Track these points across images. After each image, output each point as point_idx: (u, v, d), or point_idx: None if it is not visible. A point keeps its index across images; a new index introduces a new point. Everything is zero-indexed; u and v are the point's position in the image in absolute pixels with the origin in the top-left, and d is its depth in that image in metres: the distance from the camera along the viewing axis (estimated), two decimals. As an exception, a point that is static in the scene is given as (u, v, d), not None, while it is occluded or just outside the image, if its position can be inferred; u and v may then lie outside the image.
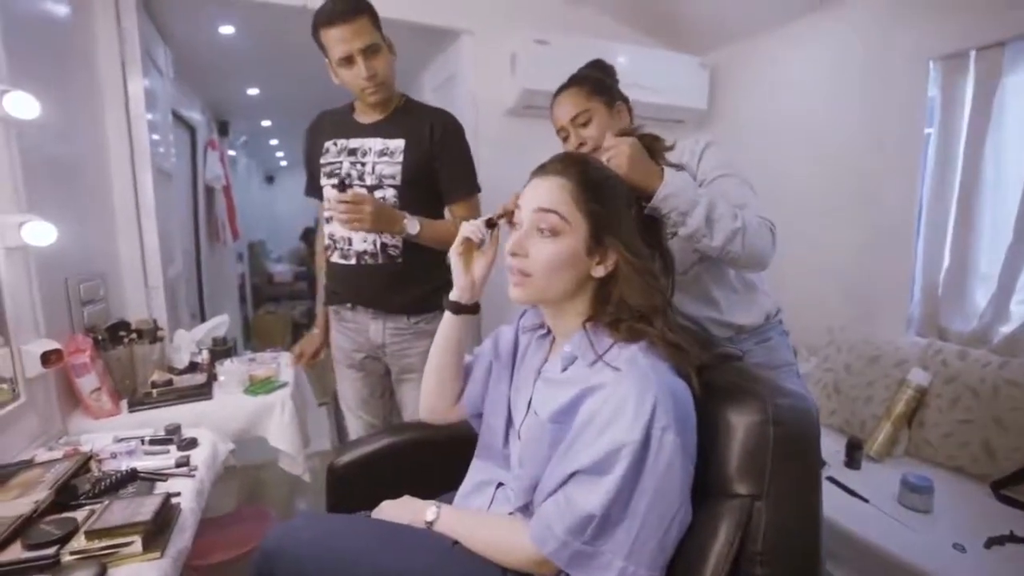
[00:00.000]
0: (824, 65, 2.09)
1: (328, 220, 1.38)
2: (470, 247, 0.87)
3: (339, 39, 1.20)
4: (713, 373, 0.79)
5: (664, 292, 0.75)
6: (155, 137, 1.95)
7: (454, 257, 0.87)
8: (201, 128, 3.32)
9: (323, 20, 1.22)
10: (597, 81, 1.15)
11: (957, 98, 1.69)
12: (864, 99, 1.96)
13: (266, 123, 4.67)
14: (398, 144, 1.31)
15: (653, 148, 0.90)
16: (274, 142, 5.78)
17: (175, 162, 2.46)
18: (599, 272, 0.75)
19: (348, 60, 1.23)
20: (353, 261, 1.34)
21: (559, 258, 0.74)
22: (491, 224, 0.85)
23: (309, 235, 5.91)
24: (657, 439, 0.65)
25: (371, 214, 1.19)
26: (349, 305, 1.40)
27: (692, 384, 0.73)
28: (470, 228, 0.85)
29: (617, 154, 0.85)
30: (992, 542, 1.20)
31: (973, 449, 1.50)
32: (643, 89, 2.24)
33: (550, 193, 0.75)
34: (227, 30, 2.40)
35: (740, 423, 0.74)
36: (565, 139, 1.16)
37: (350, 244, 1.34)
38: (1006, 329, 1.62)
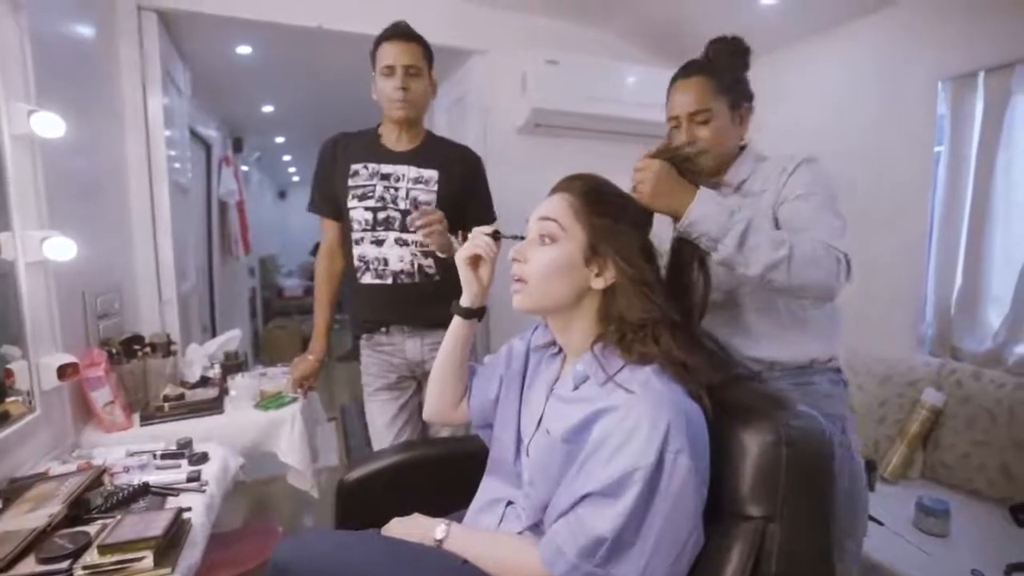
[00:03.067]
0: (833, 84, 2.11)
1: (358, 242, 1.39)
2: (478, 258, 0.91)
3: (391, 51, 1.34)
4: (727, 393, 0.79)
5: (663, 306, 0.74)
6: (172, 153, 2.00)
7: (463, 266, 0.92)
8: (216, 144, 3.39)
9: (385, 35, 1.37)
10: (730, 76, 1.03)
11: (966, 117, 1.70)
12: (874, 117, 1.96)
13: (280, 139, 4.75)
14: (432, 174, 1.39)
15: (683, 169, 0.85)
16: (287, 158, 5.87)
17: (191, 178, 2.51)
18: (598, 284, 0.76)
19: (390, 70, 1.34)
20: (389, 280, 1.38)
21: (554, 263, 0.76)
22: (496, 237, 0.90)
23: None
24: (671, 462, 0.64)
25: (443, 228, 1.28)
26: (384, 329, 1.42)
27: (704, 405, 0.72)
28: (482, 247, 0.89)
29: (642, 180, 0.83)
30: (1012, 569, 1.17)
31: (990, 472, 1.47)
32: (652, 108, 2.25)
33: (552, 204, 0.79)
34: (244, 50, 2.46)
35: (753, 444, 0.74)
36: (674, 128, 1.05)
37: (386, 264, 1.38)
38: (1021, 349, 1.60)
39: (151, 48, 1.83)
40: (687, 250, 0.84)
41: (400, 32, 1.35)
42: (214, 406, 1.46)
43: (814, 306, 1.01)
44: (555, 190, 0.81)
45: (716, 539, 0.71)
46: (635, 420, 0.66)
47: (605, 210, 0.77)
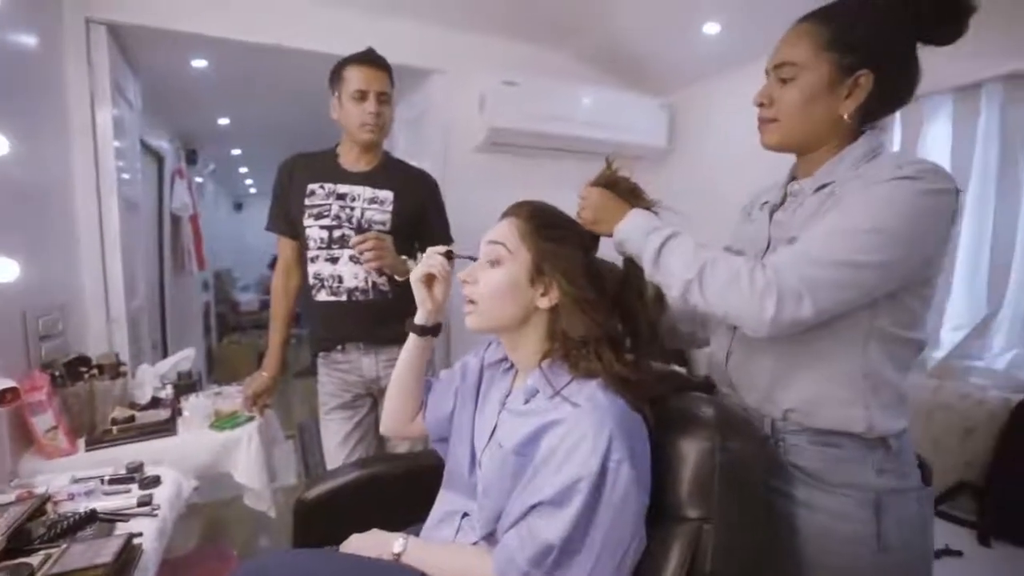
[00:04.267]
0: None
1: (313, 260, 1.40)
2: (432, 277, 0.94)
3: (364, 76, 1.36)
4: (668, 404, 0.85)
5: (604, 324, 0.79)
6: (121, 164, 1.95)
7: (418, 285, 0.94)
8: (169, 157, 3.30)
9: (356, 59, 1.39)
10: (849, 28, 0.75)
11: (886, 143, 1.86)
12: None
13: (236, 152, 4.65)
14: (387, 195, 1.42)
15: (619, 191, 0.87)
16: (244, 170, 5.74)
17: (141, 191, 2.44)
18: (544, 303, 0.81)
19: (363, 95, 1.36)
20: (344, 298, 1.39)
21: (500, 284, 0.81)
22: (449, 256, 0.94)
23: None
24: (613, 471, 0.69)
25: (391, 250, 1.31)
26: (339, 347, 1.43)
27: (647, 416, 0.78)
28: (436, 266, 0.92)
29: (584, 207, 0.87)
30: (930, 556, 1.28)
31: (914, 468, 1.60)
32: (606, 128, 2.38)
33: (500, 229, 0.84)
34: (200, 63, 2.43)
35: (691, 451, 0.79)
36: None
37: (340, 281, 1.39)
38: (939, 355, 1.75)
39: (100, 60, 1.80)
40: (633, 270, 0.88)
41: (372, 59, 1.39)
42: (166, 428, 1.42)
43: (892, 365, 0.77)
44: (504, 215, 0.86)
45: (657, 540, 0.76)
46: (580, 432, 0.71)
47: (550, 234, 0.82)
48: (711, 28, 2.12)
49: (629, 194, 0.88)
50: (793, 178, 0.89)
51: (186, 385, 1.68)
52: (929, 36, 0.76)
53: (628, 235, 0.82)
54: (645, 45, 2.37)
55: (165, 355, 2.59)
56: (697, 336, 1.05)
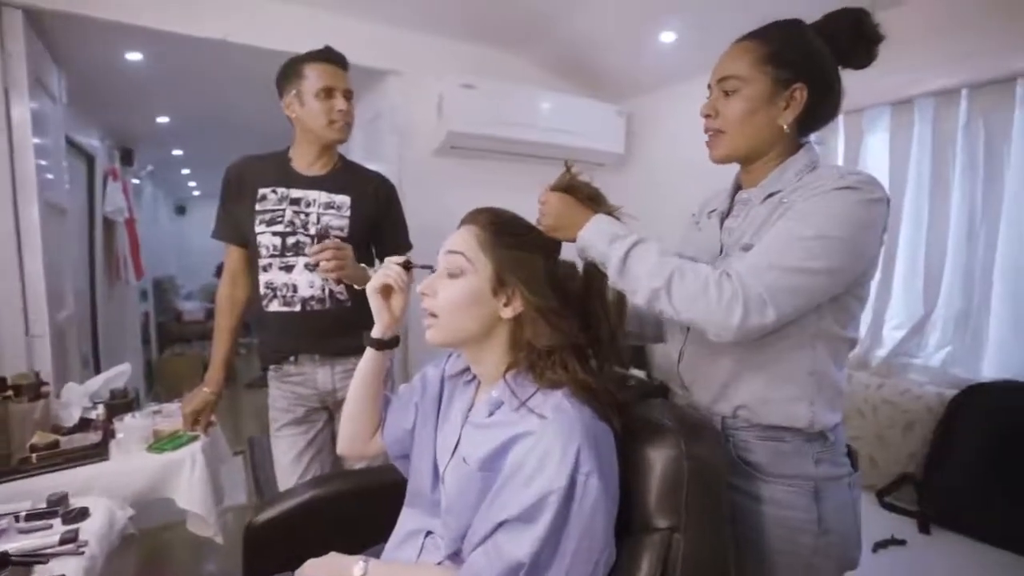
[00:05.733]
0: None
1: (265, 268, 1.32)
2: (389, 288, 0.90)
3: (329, 73, 1.31)
4: (634, 411, 0.84)
5: (569, 332, 0.77)
6: (43, 163, 1.79)
7: (374, 297, 0.90)
8: (100, 157, 3.07)
9: (318, 56, 1.31)
10: (784, 46, 0.82)
11: (831, 151, 1.96)
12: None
13: (177, 152, 4.39)
14: (344, 200, 1.36)
15: (580, 196, 0.85)
16: (186, 171, 5.43)
17: (68, 194, 2.25)
18: (507, 313, 0.78)
19: (329, 92, 1.30)
20: (298, 308, 1.32)
21: (462, 296, 0.77)
22: (407, 267, 0.90)
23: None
24: (581, 484, 0.67)
25: (351, 259, 1.24)
26: (292, 359, 1.35)
27: (614, 425, 0.76)
28: (393, 277, 0.88)
29: (544, 213, 0.85)
30: (878, 546, 1.35)
31: (860, 462, 1.66)
32: (565, 134, 2.39)
33: (458, 238, 0.80)
34: (134, 56, 2.26)
35: (658, 459, 0.79)
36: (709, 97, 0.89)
37: (294, 291, 1.32)
38: (881, 353, 1.85)
39: (15, 49, 1.65)
40: (596, 276, 0.86)
41: (335, 57, 1.33)
42: (96, 452, 1.31)
43: (833, 362, 0.82)
44: (462, 223, 0.83)
45: (628, 552, 0.74)
46: (547, 445, 0.69)
47: (510, 241, 0.79)
48: (667, 37, 2.16)
49: (589, 199, 0.87)
50: (739, 187, 0.93)
51: (121, 404, 1.55)
52: (846, 60, 0.85)
53: (591, 241, 0.81)
54: (603, 52, 2.40)
55: (97, 371, 2.40)
56: (644, 334, 1.06)
